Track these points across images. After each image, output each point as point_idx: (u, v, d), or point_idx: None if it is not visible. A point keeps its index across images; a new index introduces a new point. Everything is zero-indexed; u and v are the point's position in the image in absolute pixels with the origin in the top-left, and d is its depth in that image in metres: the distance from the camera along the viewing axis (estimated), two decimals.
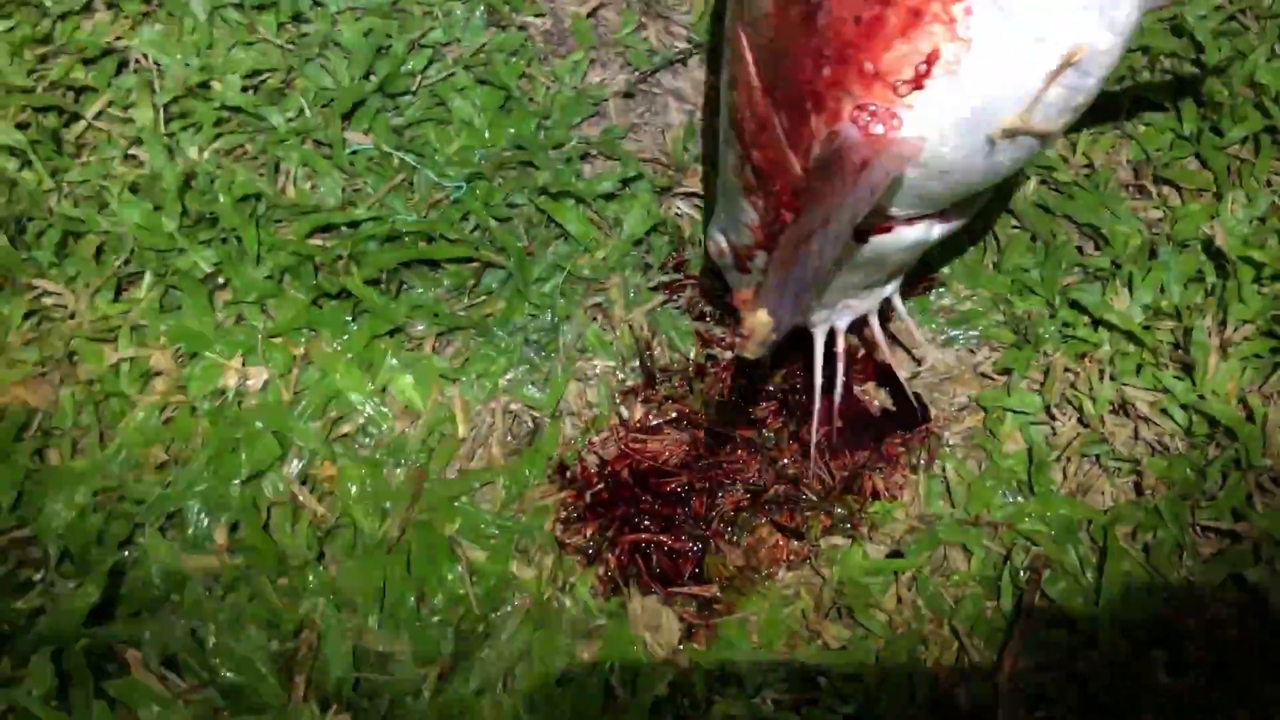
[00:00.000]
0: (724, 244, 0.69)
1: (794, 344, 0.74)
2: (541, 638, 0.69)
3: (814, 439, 0.73)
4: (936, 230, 0.63)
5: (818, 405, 0.72)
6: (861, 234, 0.60)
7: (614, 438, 0.79)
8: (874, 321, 0.73)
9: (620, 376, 0.82)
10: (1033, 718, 0.67)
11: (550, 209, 0.84)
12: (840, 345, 0.72)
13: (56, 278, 0.81)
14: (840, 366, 0.72)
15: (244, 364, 0.79)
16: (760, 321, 0.51)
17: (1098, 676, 0.67)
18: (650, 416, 0.80)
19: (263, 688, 0.67)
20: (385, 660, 0.69)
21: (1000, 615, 0.70)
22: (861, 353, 0.82)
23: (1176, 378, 0.78)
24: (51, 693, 0.65)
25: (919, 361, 0.81)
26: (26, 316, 0.80)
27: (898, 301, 0.73)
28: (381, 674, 0.69)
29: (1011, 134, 0.53)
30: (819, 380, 0.71)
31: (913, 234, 0.62)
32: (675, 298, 0.84)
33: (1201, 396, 0.77)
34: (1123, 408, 0.78)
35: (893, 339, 0.81)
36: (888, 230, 0.61)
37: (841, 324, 0.71)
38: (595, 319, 0.83)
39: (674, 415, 0.80)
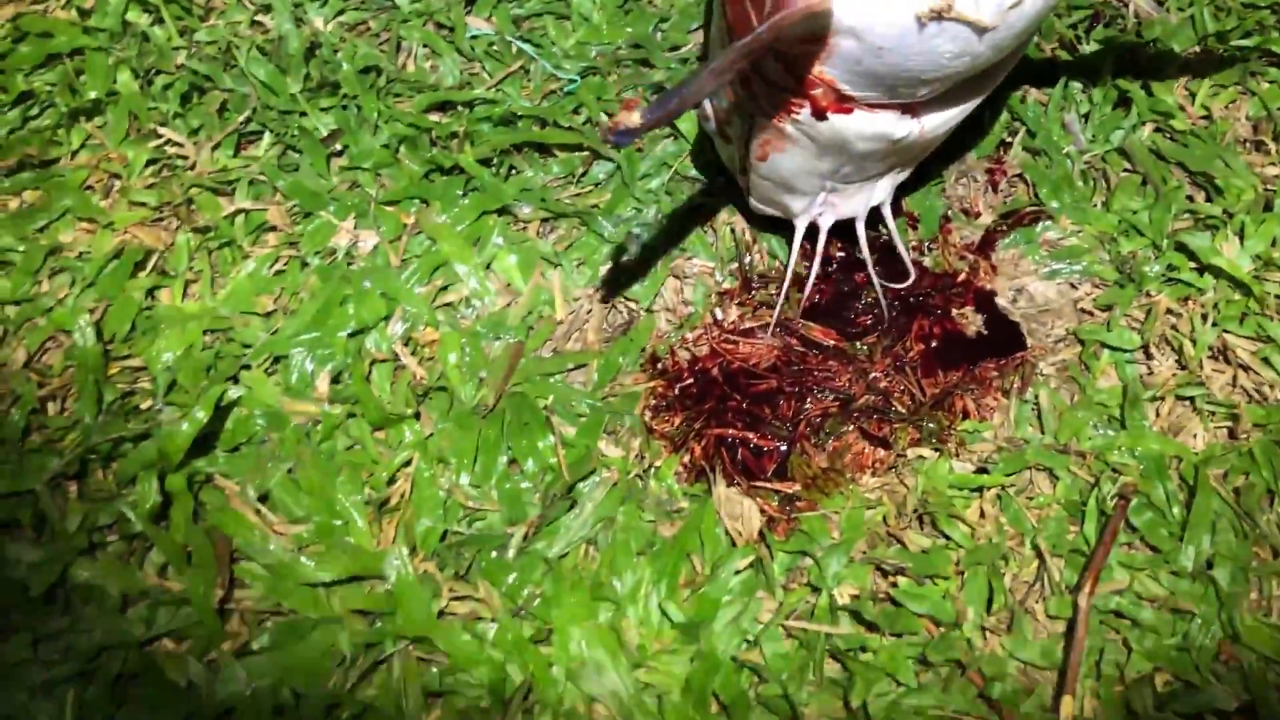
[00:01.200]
0: (709, 109, 0.71)
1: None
2: (626, 510, 0.70)
3: (776, 315, 0.78)
4: (904, 127, 0.63)
5: (784, 292, 0.78)
6: (820, 112, 0.61)
7: (707, 337, 0.80)
8: (860, 228, 0.76)
9: (718, 278, 0.82)
10: (1109, 639, 0.67)
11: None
12: (820, 242, 0.76)
13: (180, 129, 0.83)
14: (816, 261, 0.77)
15: (355, 226, 0.80)
16: (626, 115, 0.52)
17: (1179, 605, 0.67)
18: (744, 320, 0.81)
19: (353, 530, 0.69)
20: (473, 516, 0.71)
21: (1083, 540, 0.70)
22: (961, 276, 0.82)
23: None
24: (154, 510, 0.67)
25: (904, 279, 0.81)
26: (150, 163, 0.82)
27: (887, 212, 0.76)
28: (469, 529, 0.70)
29: (936, 15, 0.52)
30: (790, 270, 0.76)
31: (875, 123, 0.62)
32: None
33: None
34: (1223, 353, 0.78)
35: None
36: (847, 111, 0.61)
37: (824, 222, 0.75)
38: (698, 219, 0.83)
39: (768, 320, 0.80)
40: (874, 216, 0.76)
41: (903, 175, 0.74)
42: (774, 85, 0.62)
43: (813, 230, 0.75)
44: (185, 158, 0.83)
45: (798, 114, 0.62)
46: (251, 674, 0.65)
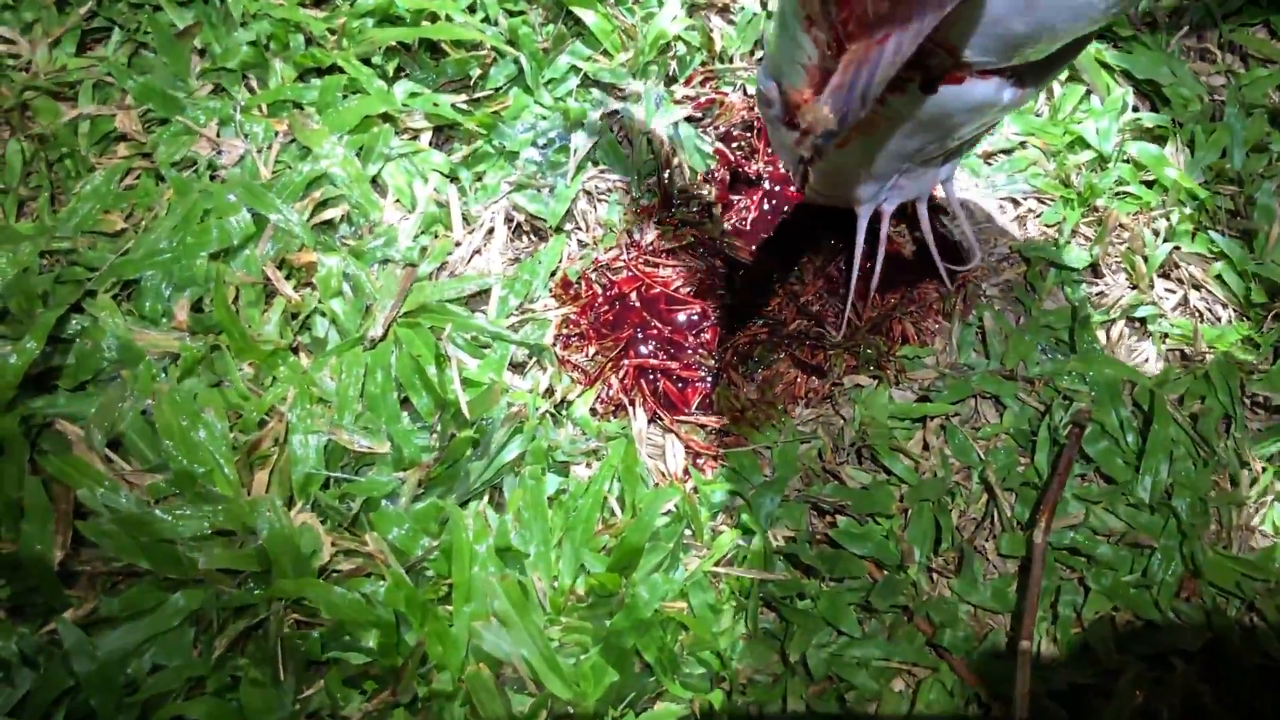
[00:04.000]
0: (774, 92, 0.62)
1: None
2: (535, 451, 0.62)
3: (846, 314, 0.69)
4: (1007, 94, 0.56)
5: (853, 281, 0.66)
6: (931, 83, 0.54)
7: (624, 259, 0.72)
8: (922, 210, 0.67)
9: (634, 195, 0.74)
10: (1065, 578, 0.61)
11: (570, 2, 0.75)
12: (884, 229, 0.66)
13: (11, 22, 0.72)
14: (880, 250, 0.66)
15: (218, 135, 0.70)
16: (822, 115, 0.45)
17: (1138, 539, 0.62)
18: (664, 240, 0.73)
19: (218, 478, 0.60)
20: (359, 461, 0.62)
21: (1034, 472, 0.65)
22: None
23: (1235, 242, 0.72)
24: None
25: (966, 260, 0.73)
26: None
27: (954, 192, 0.67)
28: (354, 475, 0.61)
29: None
30: (858, 258, 0.65)
31: (982, 91, 0.55)
32: (701, 115, 0.76)
33: (1261, 264, 0.71)
34: (1174, 271, 0.72)
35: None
36: (959, 81, 0.54)
37: (889, 207, 0.65)
38: (611, 129, 0.75)
39: (690, 241, 0.73)
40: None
41: (973, 148, 0.68)
42: None
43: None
44: (18, 56, 0.72)
45: (903, 90, 0.54)
46: (99, 646, 0.55)
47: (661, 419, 0.66)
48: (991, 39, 0.52)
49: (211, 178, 0.69)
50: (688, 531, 0.62)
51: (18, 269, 0.63)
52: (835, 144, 0.59)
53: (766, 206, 0.74)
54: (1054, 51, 0.55)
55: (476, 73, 0.74)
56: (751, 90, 0.77)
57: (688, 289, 0.71)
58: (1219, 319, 0.71)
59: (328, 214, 0.69)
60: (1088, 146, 0.76)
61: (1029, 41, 0.52)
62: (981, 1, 0.50)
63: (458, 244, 0.71)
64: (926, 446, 0.66)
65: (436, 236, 0.70)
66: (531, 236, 0.73)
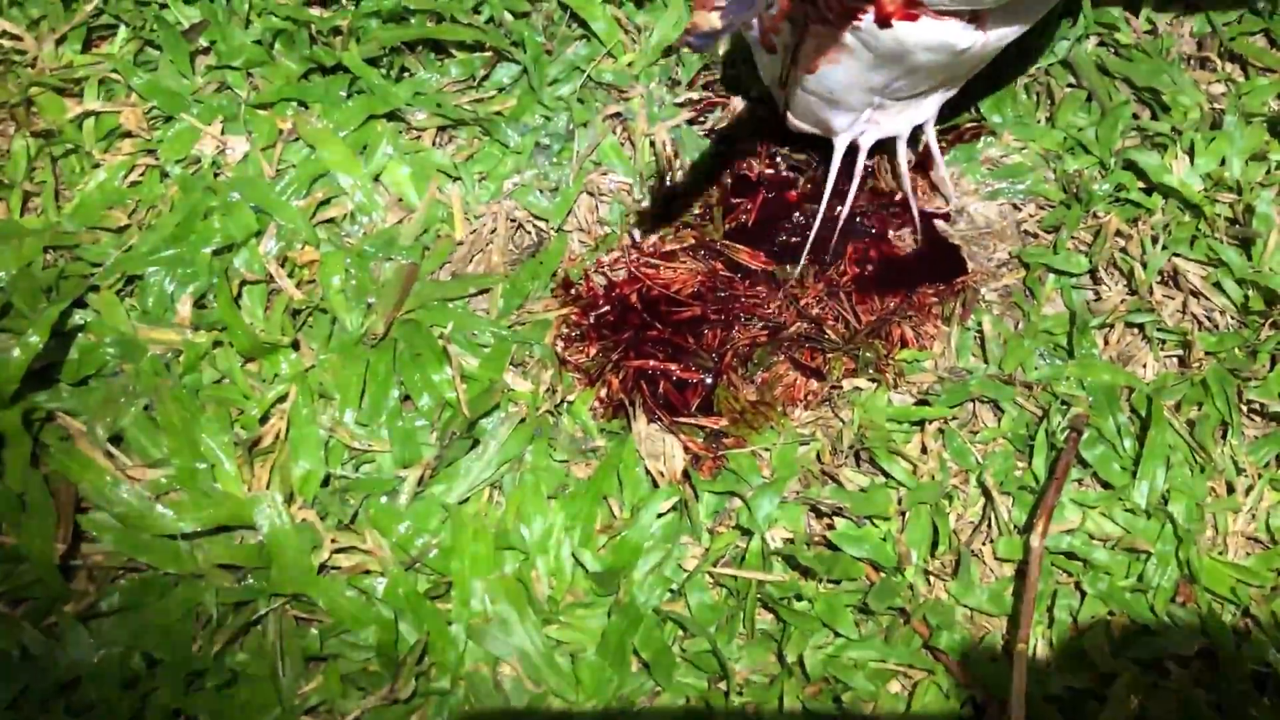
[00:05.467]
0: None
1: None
2: (535, 450, 0.63)
3: (807, 248, 0.71)
4: (966, 38, 0.58)
5: (821, 212, 0.70)
6: (884, 19, 0.56)
7: (625, 260, 0.72)
8: (901, 148, 0.70)
9: (636, 196, 0.74)
10: (1061, 582, 0.62)
11: (575, 5, 0.76)
12: (859, 163, 0.69)
13: (18, 18, 0.72)
14: (854, 184, 0.70)
15: (223, 132, 0.70)
16: (705, 17, 0.46)
17: (1134, 544, 0.62)
18: (665, 242, 0.73)
19: (220, 474, 0.60)
20: (360, 458, 0.62)
21: (1031, 476, 0.65)
22: (898, 196, 0.75)
23: (1233, 250, 0.72)
24: None
25: (948, 214, 0.75)
26: None
27: (933, 139, 0.70)
28: (354, 472, 0.62)
29: None
30: (829, 189, 0.69)
31: (939, 32, 0.57)
32: (703, 118, 0.77)
33: (1259, 272, 0.71)
34: (1173, 278, 0.73)
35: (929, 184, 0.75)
36: (913, 19, 0.56)
37: (865, 141, 0.68)
38: (614, 130, 0.75)
39: (691, 243, 0.73)
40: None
41: (950, 93, 0.68)
42: None
43: (851, 149, 0.69)
44: (24, 53, 0.72)
45: (859, 21, 0.56)
46: (99, 639, 0.56)
47: (661, 420, 0.67)
48: None
49: (215, 175, 0.69)
50: (686, 532, 0.62)
51: (21, 263, 0.63)
52: (806, 69, 0.62)
53: (768, 210, 0.74)
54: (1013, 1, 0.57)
55: (480, 73, 0.75)
56: (755, 92, 0.77)
57: (688, 291, 0.71)
58: (1217, 326, 0.71)
59: (330, 212, 0.69)
60: (1088, 152, 0.76)
61: None
62: None
63: (459, 243, 0.71)
64: (924, 450, 0.66)
65: (439, 235, 0.71)
66: (533, 236, 0.73)
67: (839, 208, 0.71)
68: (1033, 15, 0.61)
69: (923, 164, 0.76)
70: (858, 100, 0.65)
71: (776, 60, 0.65)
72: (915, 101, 0.67)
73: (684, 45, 0.46)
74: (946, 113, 0.72)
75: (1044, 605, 0.61)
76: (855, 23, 0.57)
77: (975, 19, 0.58)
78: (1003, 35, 0.60)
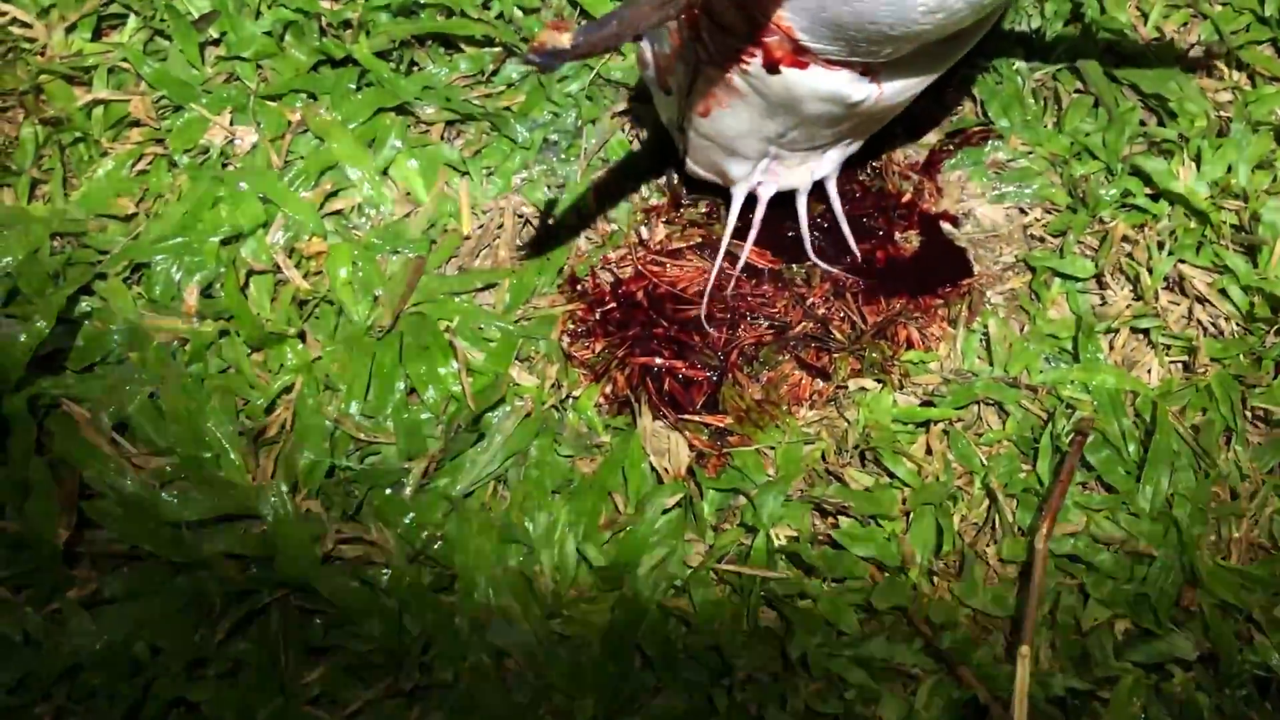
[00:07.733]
0: (648, 54, 0.63)
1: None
2: (540, 444, 0.63)
3: (707, 291, 0.70)
4: (861, 90, 0.57)
5: (719, 260, 0.70)
6: (773, 64, 0.55)
7: (631, 257, 0.72)
8: (801, 202, 0.70)
9: (643, 193, 0.74)
10: (1064, 585, 0.62)
11: (584, 1, 0.76)
12: (758, 214, 0.69)
13: (28, 6, 0.72)
14: (752, 234, 0.69)
15: (232, 122, 0.70)
16: (554, 36, 0.45)
17: (1138, 548, 0.62)
18: (672, 239, 0.73)
19: (224, 463, 0.60)
20: (365, 450, 0.62)
21: (1036, 479, 0.65)
22: (905, 198, 0.76)
23: (1239, 257, 0.72)
24: None
25: (851, 258, 0.74)
26: None
27: (832, 188, 0.70)
28: (360, 463, 0.62)
29: None
30: (727, 238, 0.69)
31: (830, 82, 0.56)
32: None
33: (1264, 279, 0.71)
34: (1179, 284, 0.73)
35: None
36: (802, 66, 0.55)
37: (764, 192, 0.68)
38: (622, 128, 0.75)
39: (698, 241, 0.73)
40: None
41: (852, 148, 0.67)
42: (725, 30, 0.55)
43: (751, 200, 0.69)
44: (34, 40, 0.72)
45: (748, 65, 0.56)
46: (101, 626, 0.56)
47: (666, 417, 0.67)
48: (822, 26, 0.53)
49: (224, 165, 0.69)
50: (690, 529, 0.62)
51: (29, 250, 0.63)
52: (699, 112, 0.61)
53: (774, 210, 0.74)
54: (909, 54, 0.56)
55: (490, 68, 0.75)
56: None
57: (695, 289, 0.71)
58: (1222, 332, 0.71)
59: (338, 204, 0.70)
60: (1094, 157, 0.77)
61: (862, 37, 0.53)
62: None
63: (466, 237, 0.71)
64: (929, 451, 0.66)
65: (446, 230, 0.71)
66: (540, 232, 0.73)
67: (739, 255, 0.70)
68: (929, 73, 0.60)
69: (928, 169, 0.76)
70: (753, 149, 0.64)
71: (672, 102, 0.64)
72: (815, 154, 0.66)
73: (527, 61, 0.45)
74: (946, 115, 0.73)
75: (1047, 607, 0.61)
76: (744, 66, 0.56)
77: (868, 71, 0.57)
78: (899, 90, 0.59)
